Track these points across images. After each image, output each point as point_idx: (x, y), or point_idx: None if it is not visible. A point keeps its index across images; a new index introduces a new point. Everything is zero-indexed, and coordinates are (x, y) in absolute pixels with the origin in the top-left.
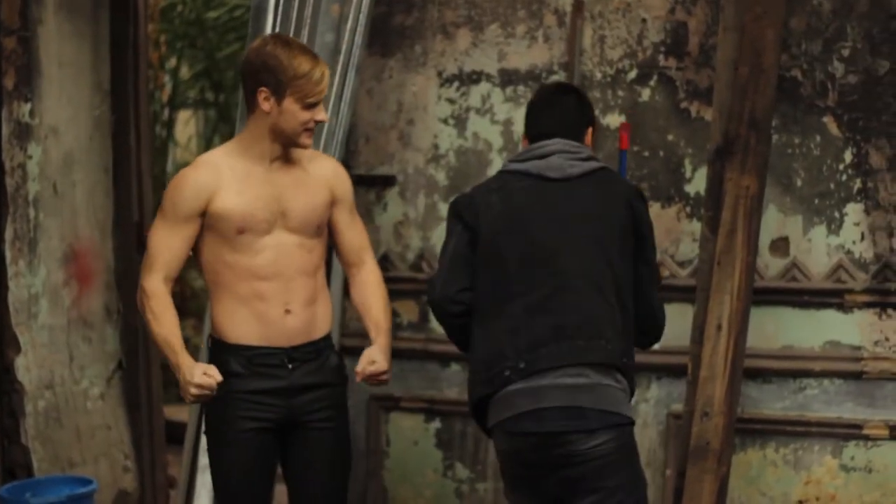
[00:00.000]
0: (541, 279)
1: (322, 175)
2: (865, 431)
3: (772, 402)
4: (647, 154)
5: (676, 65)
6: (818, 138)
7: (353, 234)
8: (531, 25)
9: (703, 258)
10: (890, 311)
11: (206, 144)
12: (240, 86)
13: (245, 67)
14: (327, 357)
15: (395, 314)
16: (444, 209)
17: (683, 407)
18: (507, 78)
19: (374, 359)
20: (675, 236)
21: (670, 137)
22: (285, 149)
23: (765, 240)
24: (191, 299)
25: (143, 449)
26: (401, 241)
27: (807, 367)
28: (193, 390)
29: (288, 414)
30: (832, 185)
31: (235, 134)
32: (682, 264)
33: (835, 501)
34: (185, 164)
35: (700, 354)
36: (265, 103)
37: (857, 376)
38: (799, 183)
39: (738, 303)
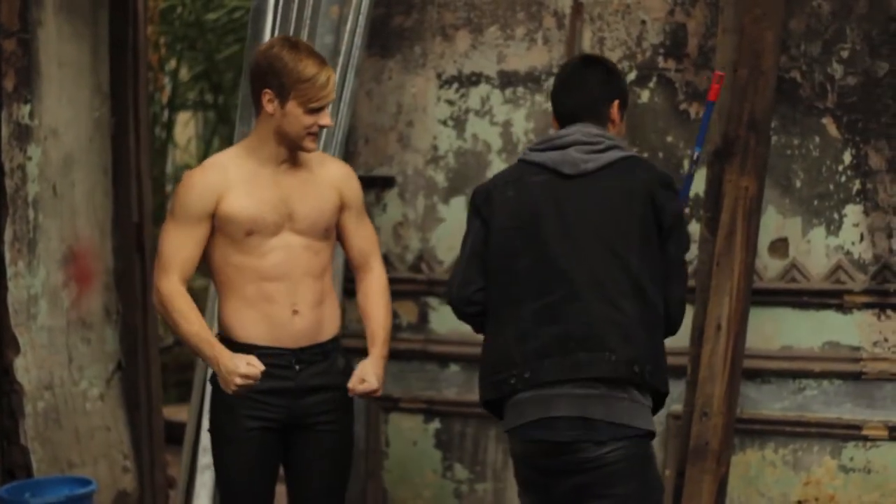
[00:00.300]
0: (549, 285)
1: (331, 178)
2: (864, 432)
3: (771, 402)
4: (646, 155)
5: (676, 66)
6: (817, 140)
7: (361, 238)
8: (530, 27)
9: (702, 259)
10: (889, 311)
11: (206, 146)
12: (239, 87)
13: (252, 68)
14: (335, 359)
15: (394, 315)
16: (443, 210)
17: (683, 407)
18: (507, 80)
19: (364, 377)
20: None
21: (669, 139)
22: (292, 152)
23: (764, 241)
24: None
25: (143, 449)
26: (400, 242)
27: (806, 367)
28: (238, 380)
29: (293, 414)
30: (831, 187)
31: (234, 135)
32: None
33: (834, 502)
34: (185, 166)
35: (699, 355)
36: (269, 105)
37: (856, 377)
38: (798, 184)
39: (737, 303)
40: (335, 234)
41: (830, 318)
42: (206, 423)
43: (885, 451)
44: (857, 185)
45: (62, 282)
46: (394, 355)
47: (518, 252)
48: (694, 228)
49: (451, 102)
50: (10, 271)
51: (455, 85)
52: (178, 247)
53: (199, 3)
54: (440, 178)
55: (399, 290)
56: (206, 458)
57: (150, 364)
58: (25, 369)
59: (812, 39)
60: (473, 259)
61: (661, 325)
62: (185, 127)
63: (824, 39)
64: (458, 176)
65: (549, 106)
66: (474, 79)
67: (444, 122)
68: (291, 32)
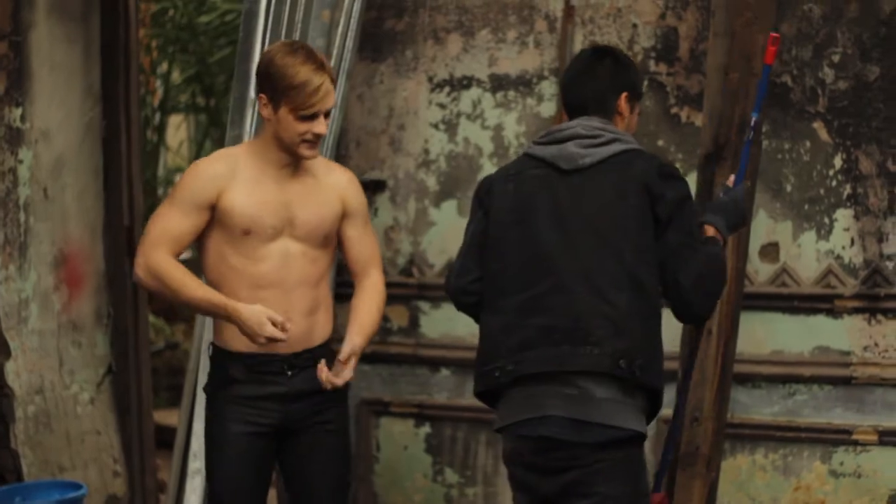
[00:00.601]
0: (537, 278)
1: (335, 186)
2: (855, 437)
3: (761, 407)
4: None
5: (667, 70)
6: (808, 144)
7: (362, 247)
8: (522, 31)
9: None
10: (879, 316)
11: (197, 149)
12: (230, 90)
13: (255, 70)
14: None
15: (385, 319)
16: (434, 214)
17: (673, 412)
18: (498, 83)
19: (338, 371)
20: None
21: (661, 143)
22: (293, 157)
23: (755, 245)
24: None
25: (133, 453)
26: (391, 246)
27: (796, 372)
28: (269, 328)
29: (285, 419)
30: (822, 191)
31: (226, 139)
32: None
33: None
34: (177, 169)
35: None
36: (264, 110)
37: (846, 382)
38: (789, 188)
39: (727, 308)
40: (335, 242)
41: (821, 322)
42: (196, 428)
43: (875, 456)
44: (847, 190)
45: (53, 285)
46: (384, 359)
47: (511, 245)
48: None
49: (442, 106)
50: (1, 275)
51: (446, 88)
52: (173, 225)
53: (190, 6)
54: (431, 182)
55: (390, 294)
56: (196, 463)
57: (141, 368)
58: (16, 373)
59: (803, 43)
60: (472, 249)
61: (659, 320)
62: (177, 130)
63: (815, 43)
64: (450, 179)
65: (540, 109)
66: (466, 82)
67: (436, 126)
68: (283, 36)
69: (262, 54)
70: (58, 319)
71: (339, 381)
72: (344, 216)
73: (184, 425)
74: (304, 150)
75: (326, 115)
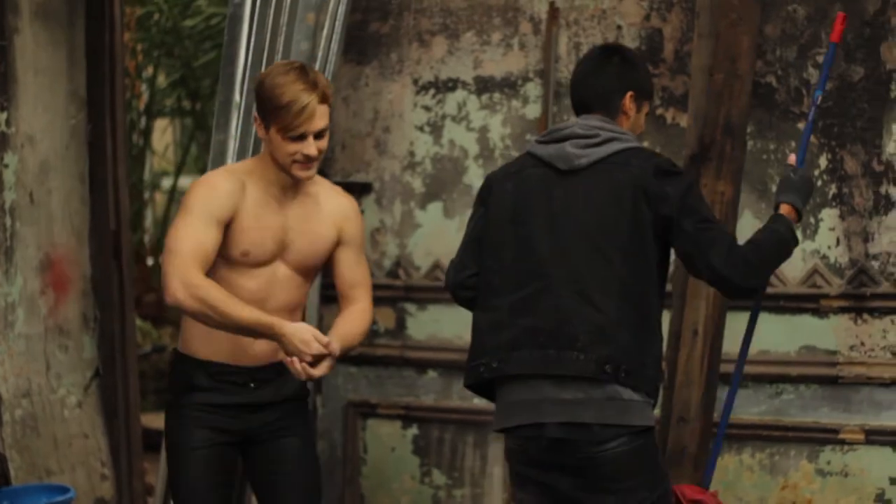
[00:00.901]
0: (528, 279)
1: (334, 214)
2: (841, 436)
3: (748, 406)
4: None
5: (652, 71)
6: (793, 144)
7: (354, 273)
8: (506, 33)
9: (679, 264)
10: (865, 315)
11: (183, 153)
12: (216, 94)
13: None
14: (290, 377)
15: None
16: (420, 216)
17: (660, 412)
18: (483, 85)
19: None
20: None
21: (646, 143)
22: (294, 179)
23: None
24: (168, 308)
25: (121, 457)
26: (377, 249)
27: (783, 371)
28: (315, 346)
29: (248, 429)
30: None
31: (211, 142)
32: None
33: None
34: (163, 173)
35: (676, 360)
36: (259, 130)
37: (832, 381)
38: (774, 189)
39: (713, 308)
40: (321, 268)
41: (807, 322)
42: None
43: (861, 455)
44: (832, 190)
45: (39, 289)
46: (371, 361)
47: (505, 244)
48: None
49: (427, 108)
50: None
51: (432, 91)
52: (201, 241)
53: (176, 10)
54: (417, 184)
55: (376, 296)
56: None
57: (128, 371)
58: (3, 377)
59: (787, 44)
60: (470, 245)
61: (652, 325)
62: (163, 133)
63: (800, 44)
64: (435, 182)
65: (525, 111)
66: (451, 85)
67: (421, 128)
68: (268, 39)
69: (261, 74)
70: (44, 323)
71: (316, 373)
72: (339, 243)
73: None
74: (297, 171)
75: (319, 136)
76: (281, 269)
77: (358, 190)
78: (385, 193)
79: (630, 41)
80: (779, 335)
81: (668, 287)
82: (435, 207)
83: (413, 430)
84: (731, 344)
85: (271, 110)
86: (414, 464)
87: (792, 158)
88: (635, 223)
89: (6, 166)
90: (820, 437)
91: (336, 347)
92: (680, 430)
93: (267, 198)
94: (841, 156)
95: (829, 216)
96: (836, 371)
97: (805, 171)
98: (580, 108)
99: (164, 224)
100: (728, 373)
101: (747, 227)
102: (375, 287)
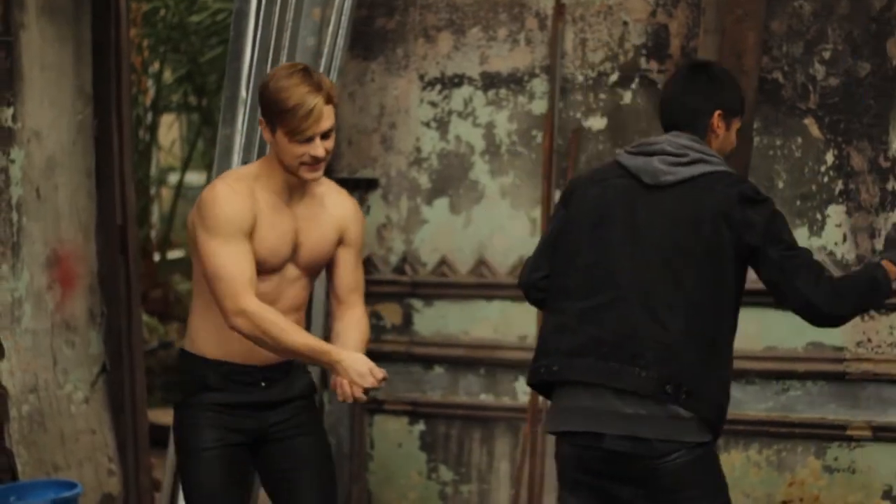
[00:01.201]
0: (600, 288)
1: (337, 215)
2: (849, 432)
3: (755, 403)
4: None
5: (658, 67)
6: (799, 140)
7: (351, 277)
8: (512, 29)
9: None
10: (872, 312)
11: (190, 148)
12: (222, 90)
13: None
14: (298, 375)
15: (378, 317)
16: (426, 212)
17: None
18: (489, 81)
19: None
20: None
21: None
22: (301, 180)
23: None
24: (175, 304)
25: (128, 452)
26: (384, 244)
27: (790, 368)
28: (371, 380)
29: (259, 428)
30: (814, 187)
31: (218, 138)
32: None
33: (818, 502)
34: (169, 168)
35: None
36: (265, 133)
37: (840, 377)
38: (781, 185)
39: None
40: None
41: None
42: None
43: (869, 452)
44: (839, 186)
45: (46, 285)
46: (378, 357)
47: (581, 249)
48: None
49: (433, 104)
50: None
51: (438, 86)
52: (242, 263)
53: (181, 6)
54: (423, 180)
55: (383, 291)
56: None
57: (135, 367)
58: (10, 373)
59: (794, 40)
60: (547, 247)
61: (720, 349)
62: (169, 129)
63: (806, 40)
64: (442, 177)
65: (531, 107)
66: (457, 80)
67: (427, 124)
68: (273, 35)
69: (265, 77)
70: (51, 319)
71: (362, 397)
72: (339, 244)
73: None
74: (305, 173)
75: (325, 136)
76: (291, 271)
77: (364, 186)
78: (391, 189)
79: (636, 37)
80: (786, 331)
81: None
82: (441, 203)
83: (420, 426)
84: (738, 340)
85: (277, 114)
86: (421, 459)
87: None
88: (714, 248)
89: (13, 162)
90: (827, 434)
91: (385, 373)
92: None
93: (277, 202)
94: (847, 152)
95: (835, 212)
96: (844, 367)
97: (767, 214)
98: (669, 127)
99: (170, 219)
100: (735, 369)
101: None
102: (382, 283)
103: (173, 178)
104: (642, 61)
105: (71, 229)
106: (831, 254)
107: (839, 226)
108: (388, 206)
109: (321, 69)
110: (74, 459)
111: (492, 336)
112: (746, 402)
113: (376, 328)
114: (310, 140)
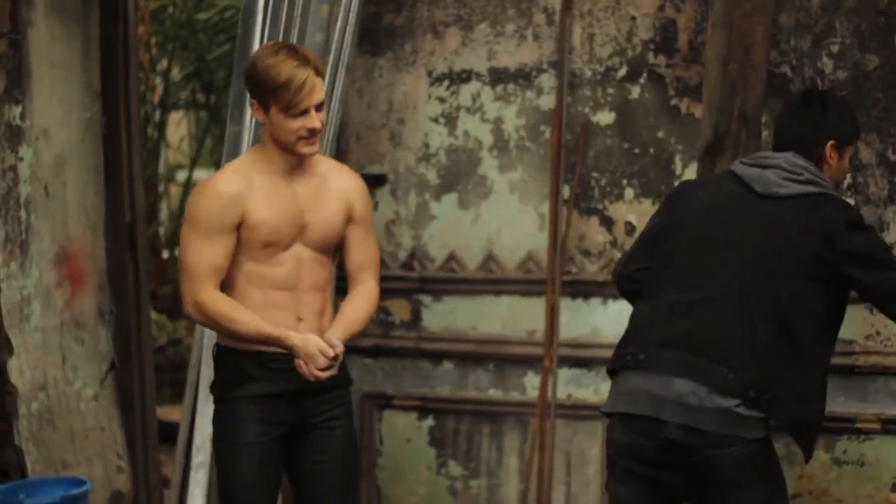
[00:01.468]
0: (696, 284)
1: (342, 191)
2: (858, 425)
3: None
4: (637, 151)
5: (666, 62)
6: None
7: (361, 252)
8: (520, 24)
9: None
10: None
11: (198, 145)
12: (230, 87)
13: (244, 77)
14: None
15: (387, 313)
16: (435, 207)
17: None
18: (497, 76)
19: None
20: None
21: (660, 134)
22: (298, 158)
23: None
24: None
25: (137, 449)
26: (392, 240)
27: None
28: (322, 360)
29: (299, 417)
30: None
31: (226, 135)
32: None
33: (828, 496)
34: (178, 165)
35: None
36: (258, 114)
37: (849, 370)
38: None
39: None
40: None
41: None
42: (199, 423)
43: (878, 444)
44: (847, 179)
45: (55, 282)
46: (387, 353)
47: (683, 246)
48: None
49: (441, 100)
50: (2, 272)
51: (446, 82)
52: (206, 256)
53: (190, 3)
54: (432, 176)
55: (392, 287)
56: (199, 457)
57: (144, 364)
58: (19, 370)
59: (802, 34)
60: (644, 241)
61: (806, 365)
62: (178, 126)
63: (814, 34)
64: (450, 173)
65: (539, 102)
66: (465, 76)
67: (435, 120)
68: (281, 31)
69: (248, 61)
70: (60, 316)
71: (323, 375)
72: (348, 221)
73: (187, 420)
74: (303, 148)
75: (319, 108)
76: (303, 252)
77: (372, 182)
78: (400, 185)
79: (644, 31)
80: None
81: None
82: (450, 199)
83: (429, 422)
84: None
85: (270, 91)
86: (430, 455)
87: None
88: (814, 266)
89: (21, 159)
90: (836, 427)
91: (340, 347)
92: None
93: (276, 184)
94: (856, 145)
95: None
96: (853, 361)
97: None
98: (777, 149)
99: (178, 216)
100: None
101: None
102: (390, 279)
103: (182, 176)
104: (650, 56)
105: (79, 227)
106: None
107: None
108: (397, 201)
109: (329, 66)
110: (84, 456)
111: (500, 331)
112: None
113: (385, 324)
114: (305, 112)
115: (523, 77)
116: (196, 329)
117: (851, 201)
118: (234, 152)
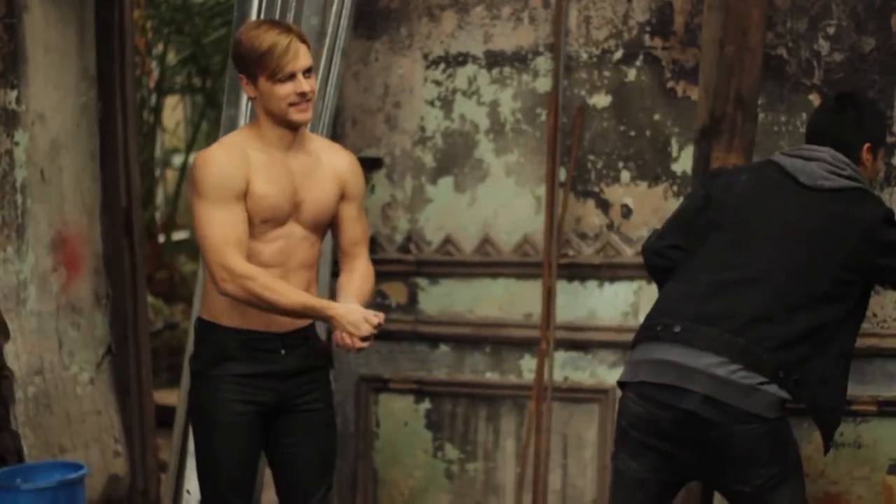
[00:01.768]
0: (735, 266)
1: (335, 169)
2: (854, 407)
3: None
4: (633, 134)
5: (662, 44)
6: (804, 116)
7: (355, 230)
8: (516, 7)
9: None
10: (877, 287)
11: (194, 130)
12: (226, 70)
13: (231, 57)
14: (314, 342)
15: (384, 296)
16: (431, 191)
17: None
18: (493, 59)
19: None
20: (662, 215)
21: (657, 117)
22: (293, 131)
23: None
24: (180, 284)
25: (134, 433)
26: (388, 223)
27: None
28: (365, 328)
29: (280, 397)
30: None
31: (222, 118)
32: None
33: (824, 477)
34: (174, 150)
35: None
36: (248, 90)
37: None
38: None
39: None
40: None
41: None
42: None
43: (874, 426)
44: None
45: (51, 267)
46: (383, 336)
47: (721, 226)
48: None
49: (437, 83)
50: None
51: (442, 65)
52: (228, 226)
53: None
54: (428, 159)
55: (388, 270)
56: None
57: (141, 348)
58: (16, 355)
59: (798, 16)
60: (677, 220)
61: (833, 351)
62: (174, 111)
63: (810, 16)
64: (446, 156)
65: (536, 85)
66: (461, 59)
67: (432, 103)
68: (277, 14)
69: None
70: (56, 301)
71: (365, 346)
72: (341, 198)
73: (183, 405)
74: (295, 115)
75: (307, 74)
76: (295, 230)
77: (369, 165)
78: (396, 168)
79: (640, 14)
80: None
81: None
82: (446, 182)
83: (425, 405)
84: None
85: (255, 61)
86: (426, 438)
87: None
88: (851, 260)
89: (17, 144)
90: None
91: (381, 315)
92: None
93: (272, 159)
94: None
95: None
96: None
97: None
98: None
99: (175, 201)
100: None
101: None
102: (387, 262)
103: (178, 160)
104: (646, 38)
105: (75, 211)
106: None
107: None
108: (393, 185)
109: (325, 49)
110: (80, 441)
111: (497, 314)
112: None
113: (381, 307)
114: (292, 77)
115: (519, 60)
116: (193, 312)
117: None
118: None
